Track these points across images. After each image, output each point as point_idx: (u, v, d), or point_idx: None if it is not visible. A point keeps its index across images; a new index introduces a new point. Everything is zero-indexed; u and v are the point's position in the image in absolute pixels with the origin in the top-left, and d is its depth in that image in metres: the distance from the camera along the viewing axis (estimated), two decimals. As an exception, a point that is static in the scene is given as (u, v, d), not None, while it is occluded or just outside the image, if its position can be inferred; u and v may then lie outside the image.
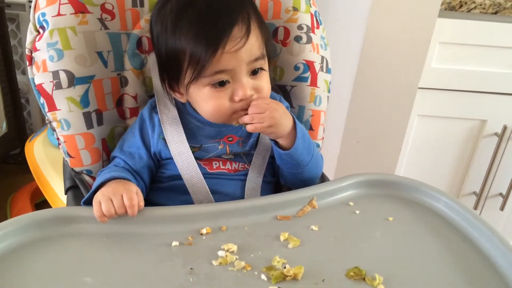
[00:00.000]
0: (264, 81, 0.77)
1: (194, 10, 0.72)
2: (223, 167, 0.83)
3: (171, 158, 0.80)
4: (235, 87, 0.73)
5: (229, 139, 0.82)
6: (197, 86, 0.74)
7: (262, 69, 0.76)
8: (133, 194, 0.69)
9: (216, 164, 0.82)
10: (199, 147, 0.81)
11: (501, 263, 0.64)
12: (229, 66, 0.71)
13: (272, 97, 0.87)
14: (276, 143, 0.79)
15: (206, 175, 0.80)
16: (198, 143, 0.81)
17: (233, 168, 0.83)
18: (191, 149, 0.80)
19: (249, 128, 0.74)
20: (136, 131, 0.82)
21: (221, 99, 0.74)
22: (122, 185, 0.71)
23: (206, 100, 0.75)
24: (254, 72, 0.75)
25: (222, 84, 0.73)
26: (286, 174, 0.83)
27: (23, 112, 1.97)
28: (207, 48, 0.69)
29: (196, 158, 0.81)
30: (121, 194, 0.68)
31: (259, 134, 0.84)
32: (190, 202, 0.79)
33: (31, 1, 1.76)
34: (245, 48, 0.71)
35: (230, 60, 0.71)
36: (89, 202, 0.71)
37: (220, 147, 0.82)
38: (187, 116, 0.83)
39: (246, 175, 0.83)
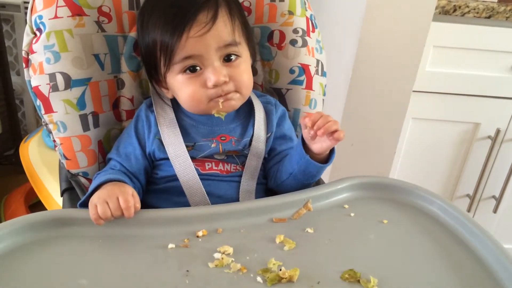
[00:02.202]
0: (242, 69, 0.77)
1: (165, 3, 0.75)
2: (216, 168, 0.83)
3: (165, 159, 0.81)
4: (206, 73, 0.74)
5: (222, 138, 0.82)
6: (172, 75, 0.76)
7: (237, 56, 0.76)
8: (129, 196, 0.69)
9: (208, 165, 0.82)
10: (193, 146, 0.81)
11: (494, 265, 0.64)
12: (196, 51, 0.73)
13: (268, 101, 0.88)
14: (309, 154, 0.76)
15: (199, 176, 0.80)
16: (191, 141, 0.81)
17: (225, 169, 0.83)
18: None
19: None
20: (131, 131, 0.83)
21: (194, 85, 0.75)
22: (118, 188, 0.71)
23: (181, 88, 0.76)
24: (228, 60, 0.76)
25: (193, 70, 0.74)
26: (292, 183, 0.80)
27: (17, 113, 1.96)
28: (173, 34, 0.72)
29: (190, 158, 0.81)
30: (117, 197, 0.68)
31: (252, 134, 0.83)
32: (185, 203, 0.79)
33: (26, 2, 1.77)
34: (212, 34, 0.72)
35: (196, 45, 0.72)
36: (85, 205, 0.71)
37: (213, 145, 0.82)
38: (181, 114, 0.83)
39: (239, 177, 0.83)
